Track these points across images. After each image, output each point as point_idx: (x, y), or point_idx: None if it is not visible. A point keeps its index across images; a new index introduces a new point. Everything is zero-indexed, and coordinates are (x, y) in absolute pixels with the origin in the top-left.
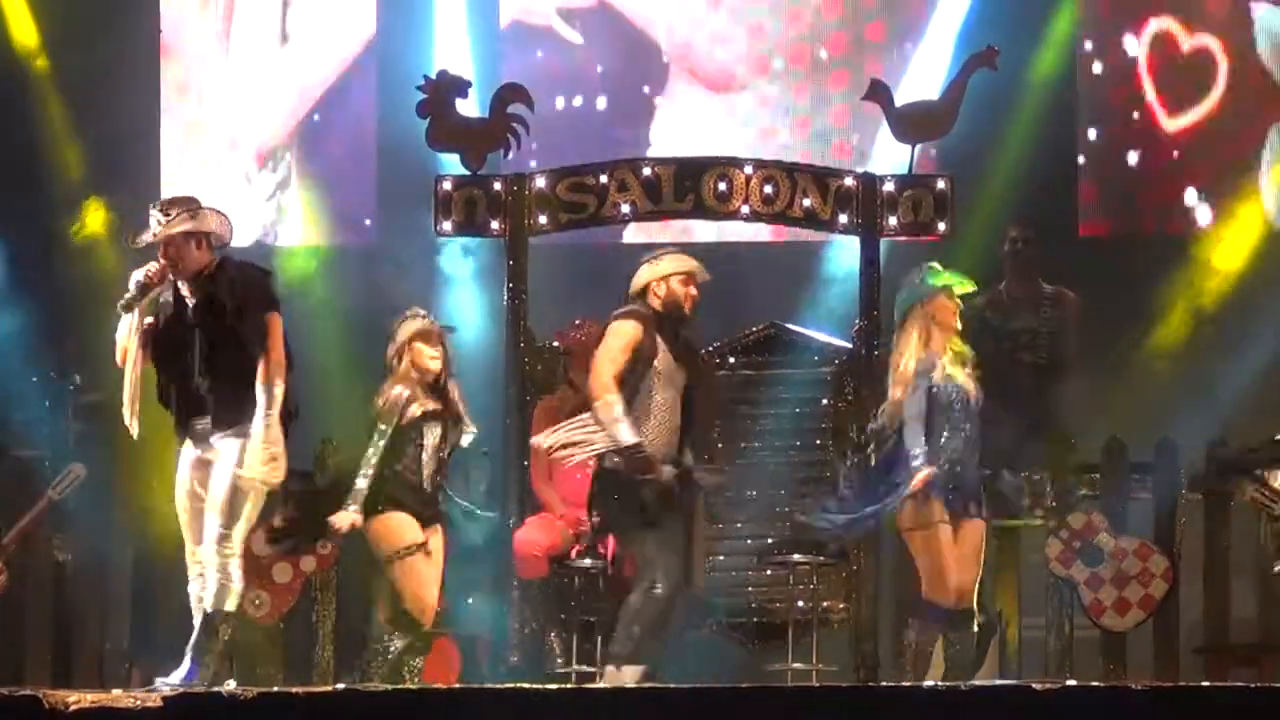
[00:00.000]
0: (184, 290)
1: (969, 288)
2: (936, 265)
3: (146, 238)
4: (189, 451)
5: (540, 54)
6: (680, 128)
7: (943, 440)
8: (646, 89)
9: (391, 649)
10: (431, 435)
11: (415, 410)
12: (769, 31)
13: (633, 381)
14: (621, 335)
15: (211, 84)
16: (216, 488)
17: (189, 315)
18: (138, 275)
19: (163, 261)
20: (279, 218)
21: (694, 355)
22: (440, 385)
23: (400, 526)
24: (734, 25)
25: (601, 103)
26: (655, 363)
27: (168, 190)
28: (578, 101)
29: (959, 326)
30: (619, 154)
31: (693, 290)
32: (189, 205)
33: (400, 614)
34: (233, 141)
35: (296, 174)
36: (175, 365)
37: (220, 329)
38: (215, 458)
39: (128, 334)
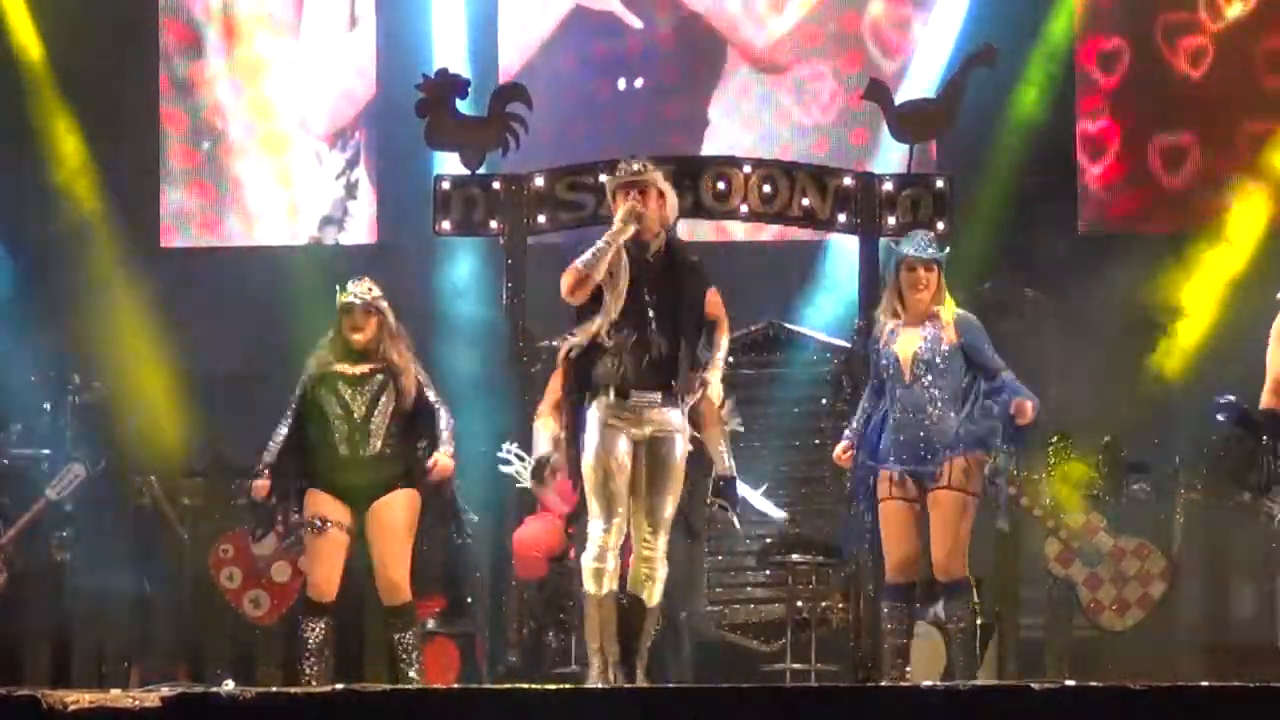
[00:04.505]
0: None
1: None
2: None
3: (634, 167)
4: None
5: (602, 38)
6: (738, 106)
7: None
8: (704, 69)
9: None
10: (344, 400)
11: (310, 381)
12: (818, 11)
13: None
14: None
15: (282, 65)
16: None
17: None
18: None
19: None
20: (347, 194)
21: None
22: (375, 354)
23: (309, 502)
24: (789, 8)
25: (661, 83)
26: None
27: (209, 178)
28: (639, 83)
29: (924, 291)
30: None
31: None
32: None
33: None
34: (303, 121)
35: (364, 154)
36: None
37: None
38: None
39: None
